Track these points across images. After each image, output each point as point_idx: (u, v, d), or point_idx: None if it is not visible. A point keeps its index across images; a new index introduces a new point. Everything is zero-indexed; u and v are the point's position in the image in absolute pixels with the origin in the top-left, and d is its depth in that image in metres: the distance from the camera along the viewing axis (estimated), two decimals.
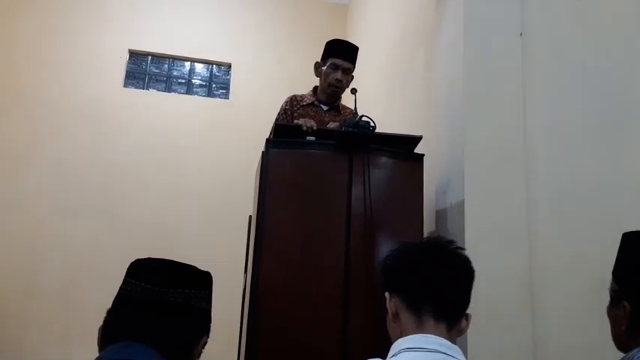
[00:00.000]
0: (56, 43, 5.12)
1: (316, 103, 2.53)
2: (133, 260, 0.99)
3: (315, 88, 2.58)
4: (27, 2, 5.13)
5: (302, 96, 2.56)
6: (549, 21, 2.31)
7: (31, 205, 4.71)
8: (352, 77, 2.54)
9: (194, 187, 5.01)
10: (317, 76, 2.56)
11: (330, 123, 2.40)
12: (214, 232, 4.82)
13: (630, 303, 1.03)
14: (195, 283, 0.99)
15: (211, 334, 1.03)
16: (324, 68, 2.49)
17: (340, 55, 2.46)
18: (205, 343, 1.00)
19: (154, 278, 0.95)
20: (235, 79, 5.47)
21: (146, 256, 1.02)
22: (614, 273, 1.11)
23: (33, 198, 4.73)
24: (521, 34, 2.23)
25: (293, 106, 2.51)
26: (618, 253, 1.12)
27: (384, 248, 1.93)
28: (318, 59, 2.55)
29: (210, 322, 1.02)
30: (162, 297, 0.93)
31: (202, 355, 1.01)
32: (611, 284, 1.10)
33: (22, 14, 5.11)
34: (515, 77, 2.18)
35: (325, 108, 2.52)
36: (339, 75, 2.45)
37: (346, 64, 2.46)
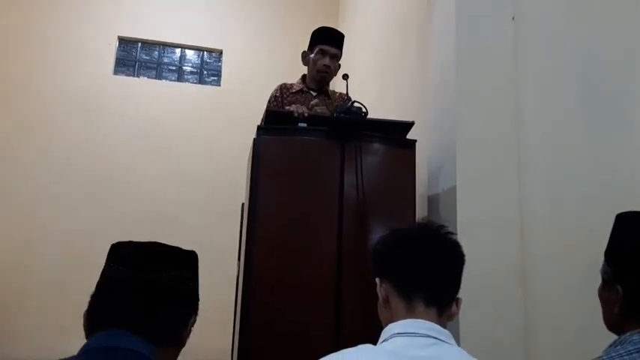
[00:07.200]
0: (45, 30, 5.06)
1: (305, 89, 2.54)
2: (114, 243, 0.96)
3: (304, 76, 2.60)
4: None
5: (291, 84, 2.58)
6: (542, 5, 2.29)
7: (21, 196, 4.69)
8: (339, 65, 2.55)
9: (186, 174, 5.00)
10: (305, 64, 2.59)
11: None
12: (207, 219, 4.82)
13: (623, 286, 1.01)
14: (179, 264, 0.96)
15: (206, 320, 1.01)
16: (311, 56, 2.51)
17: (327, 42, 2.48)
18: (194, 322, 0.98)
19: (135, 262, 0.92)
20: (227, 65, 5.43)
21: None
22: (606, 255, 1.08)
23: (23, 188, 4.70)
24: (513, 18, 2.21)
25: (283, 93, 2.52)
26: (611, 234, 1.09)
27: (376, 234, 1.93)
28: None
29: (198, 300, 0.99)
30: (145, 280, 0.90)
31: (197, 342, 0.99)
32: (604, 266, 1.08)
33: (11, 2, 5.03)
34: (507, 62, 2.17)
35: (314, 94, 2.52)
36: (327, 61, 2.47)
37: (333, 50, 2.49)
